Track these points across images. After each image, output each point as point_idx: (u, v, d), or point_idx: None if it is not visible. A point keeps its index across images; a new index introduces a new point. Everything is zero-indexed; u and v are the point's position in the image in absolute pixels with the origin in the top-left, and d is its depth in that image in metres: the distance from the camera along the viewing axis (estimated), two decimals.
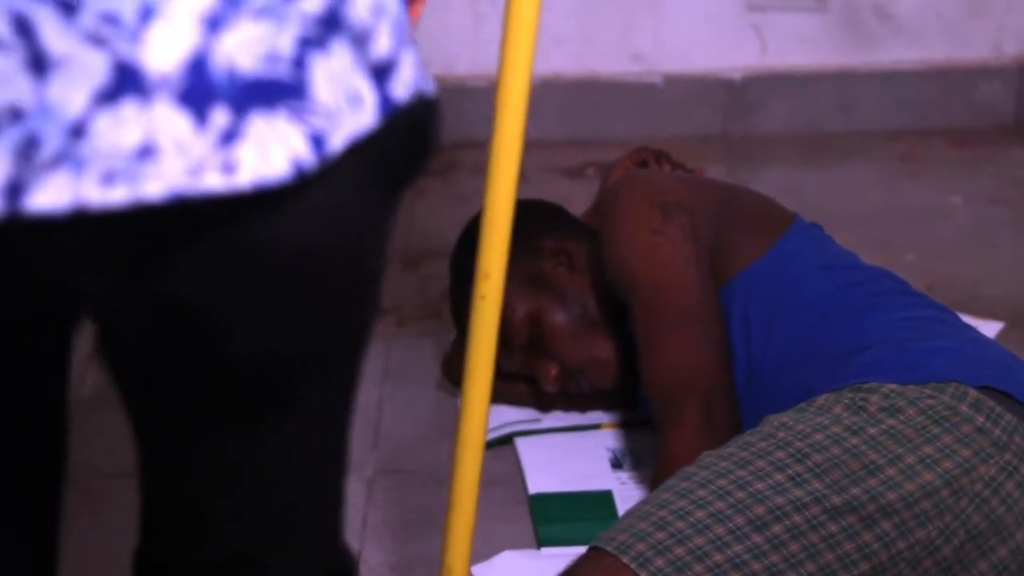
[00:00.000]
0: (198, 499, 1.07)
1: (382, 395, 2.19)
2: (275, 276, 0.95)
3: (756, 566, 1.55)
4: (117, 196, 0.87)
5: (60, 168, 0.87)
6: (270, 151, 0.89)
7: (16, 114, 0.86)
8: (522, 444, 2.09)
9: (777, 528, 1.56)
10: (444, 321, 2.31)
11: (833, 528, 1.57)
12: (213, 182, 0.89)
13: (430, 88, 0.99)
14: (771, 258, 1.89)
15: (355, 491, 1.87)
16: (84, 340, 1.13)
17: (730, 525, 1.56)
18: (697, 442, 1.73)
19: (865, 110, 2.98)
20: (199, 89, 0.87)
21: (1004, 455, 1.62)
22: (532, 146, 2.86)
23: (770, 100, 2.95)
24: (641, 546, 1.55)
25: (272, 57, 0.89)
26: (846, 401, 1.66)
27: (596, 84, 2.89)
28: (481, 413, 1.47)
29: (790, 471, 1.60)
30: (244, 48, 0.88)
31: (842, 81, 2.96)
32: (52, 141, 0.86)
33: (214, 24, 0.87)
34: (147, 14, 0.86)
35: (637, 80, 2.90)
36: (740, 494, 1.58)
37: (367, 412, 2.12)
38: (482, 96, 2.87)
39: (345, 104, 0.92)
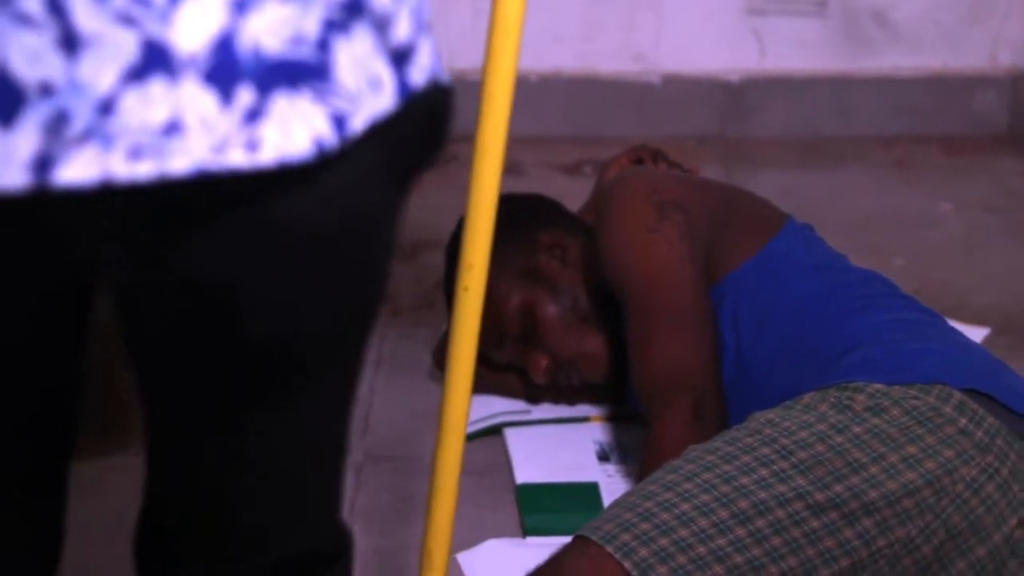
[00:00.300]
0: (206, 475, 1.09)
1: (374, 383, 2.21)
2: (292, 255, 0.97)
3: (738, 559, 1.57)
4: (143, 171, 0.90)
5: (89, 143, 0.89)
6: (293, 130, 0.92)
7: (47, 90, 0.88)
8: (511, 435, 2.11)
9: (760, 522, 1.59)
10: (438, 311, 2.33)
11: (815, 524, 1.59)
12: (237, 159, 0.91)
13: (445, 76, 1.01)
14: (763, 258, 1.91)
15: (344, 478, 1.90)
16: None
17: (714, 518, 1.58)
18: (685, 437, 1.75)
19: (862, 115, 3.00)
20: (225, 68, 0.90)
21: (986, 457, 1.64)
22: (531, 142, 2.91)
23: (768, 103, 2.97)
24: (626, 536, 1.57)
25: (297, 39, 0.91)
26: (832, 400, 1.69)
27: (596, 82, 2.91)
28: (463, 403, 1.49)
29: (775, 467, 1.62)
30: (270, 30, 0.90)
31: (839, 86, 2.98)
32: (81, 117, 0.88)
33: (241, 6, 0.90)
34: None
35: (636, 79, 2.92)
36: (725, 488, 1.60)
37: (358, 399, 2.14)
38: (479, 90, 2.89)
39: (366, 87, 0.94)
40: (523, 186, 2.45)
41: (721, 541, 1.57)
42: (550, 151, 2.88)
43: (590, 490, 1.99)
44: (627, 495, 1.64)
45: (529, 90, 2.91)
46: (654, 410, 1.82)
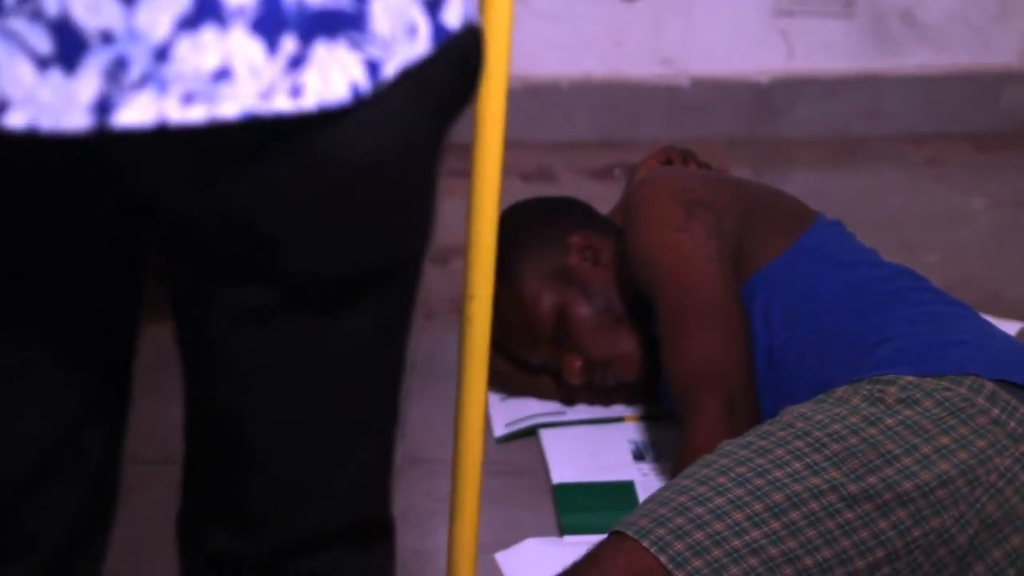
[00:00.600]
0: (238, 409, 1.11)
1: (409, 387, 2.23)
2: (330, 188, 1.02)
3: (773, 551, 1.58)
4: (195, 115, 0.95)
5: (145, 88, 0.94)
6: (331, 76, 0.97)
7: (107, 38, 0.93)
8: (546, 435, 2.13)
9: (794, 514, 1.60)
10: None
11: (849, 515, 1.60)
12: (282, 104, 0.97)
13: (476, 17, 1.06)
14: (793, 255, 1.93)
15: None
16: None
17: (748, 511, 1.60)
18: (718, 434, 1.77)
19: (891, 115, 3.01)
20: (271, 18, 0.95)
21: (1019, 446, 1.65)
22: (561, 147, 2.93)
23: (797, 104, 2.98)
24: (661, 531, 1.59)
25: None
26: (864, 392, 1.70)
27: (625, 87, 2.93)
28: (478, 425, 1.51)
29: (808, 459, 1.63)
30: None
31: (868, 86, 2.99)
32: (139, 63, 0.94)
33: None
34: None
35: (665, 83, 2.94)
36: (758, 481, 1.62)
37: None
38: (512, 97, 2.90)
39: (401, 34, 1.00)
40: (554, 191, 2.47)
41: (755, 534, 1.59)
42: (580, 156, 2.89)
43: (626, 489, 2.01)
44: (661, 490, 1.66)
45: (559, 96, 2.93)
46: (687, 407, 1.83)
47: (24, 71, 0.94)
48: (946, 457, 1.64)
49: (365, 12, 0.98)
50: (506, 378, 2.19)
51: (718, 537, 1.58)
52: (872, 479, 1.62)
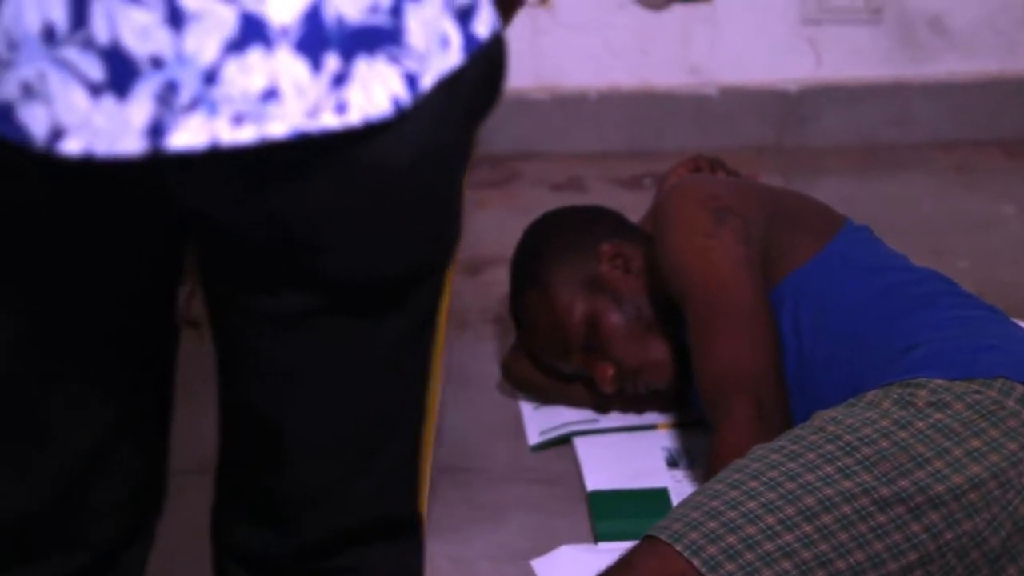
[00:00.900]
0: (273, 411, 1.14)
1: (444, 396, 2.25)
2: (372, 195, 1.05)
3: (806, 554, 1.60)
4: (245, 136, 0.99)
5: (196, 111, 0.97)
6: (373, 91, 1.00)
7: (157, 63, 0.96)
8: (580, 443, 2.14)
9: (827, 518, 1.61)
10: (504, 325, 2.37)
11: (882, 519, 1.62)
12: (329, 121, 1.00)
13: (499, 24, 1.09)
14: (821, 260, 1.94)
15: None
16: None
17: (780, 515, 1.61)
18: (749, 438, 1.78)
19: (920, 122, 3.01)
20: (314, 38, 0.98)
21: None
22: (592, 157, 2.95)
23: (825, 112, 2.99)
24: (694, 535, 1.60)
25: (373, 8, 1.00)
26: (895, 396, 1.71)
27: (653, 96, 2.95)
28: None
29: (839, 463, 1.64)
30: (350, 1, 0.99)
31: (897, 93, 3.00)
32: (189, 86, 0.97)
33: None
34: None
35: (693, 92, 2.95)
36: (790, 485, 1.63)
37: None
38: (542, 108, 2.93)
39: (435, 46, 1.03)
40: (585, 201, 2.49)
41: (788, 537, 1.60)
42: (610, 166, 2.91)
43: (660, 495, 2.02)
44: (694, 495, 1.67)
45: (588, 107, 2.95)
46: (717, 413, 1.84)
47: (78, 98, 0.97)
48: (977, 460, 1.65)
49: (401, 27, 1.01)
50: (539, 386, 2.21)
51: (750, 541, 1.59)
52: (904, 482, 1.63)
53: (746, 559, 1.59)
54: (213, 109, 0.97)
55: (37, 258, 1.09)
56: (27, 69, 0.97)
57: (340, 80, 1.00)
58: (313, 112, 0.99)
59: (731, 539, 1.60)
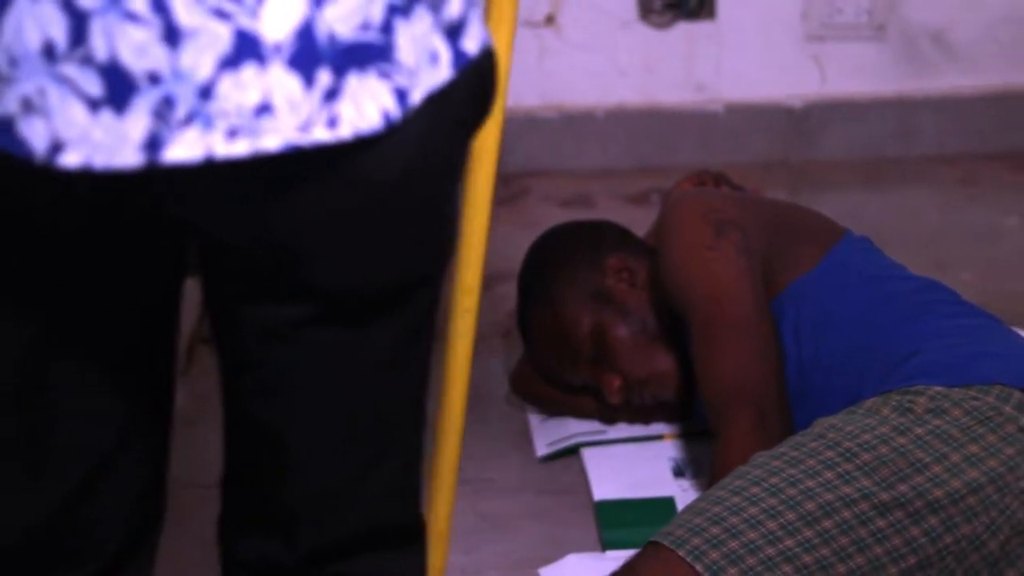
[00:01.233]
0: (274, 420, 1.17)
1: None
2: (362, 209, 1.07)
3: (807, 559, 1.62)
4: (239, 149, 1.01)
5: (191, 125, 1.00)
6: (364, 106, 1.03)
7: (154, 79, 0.99)
8: (588, 454, 2.17)
9: (827, 523, 1.64)
10: (513, 340, 2.40)
11: (881, 523, 1.64)
12: (320, 135, 1.02)
13: (489, 40, 1.12)
14: (821, 270, 1.97)
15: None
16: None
17: (782, 520, 1.64)
18: (751, 447, 1.81)
19: (924, 136, 3.05)
20: (306, 54, 1.01)
21: None
22: (598, 174, 2.98)
23: (830, 127, 3.02)
24: (697, 540, 1.63)
25: (365, 25, 1.02)
26: (894, 403, 1.74)
27: (659, 114, 2.98)
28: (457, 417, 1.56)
29: (839, 469, 1.67)
30: (342, 18, 1.01)
31: (901, 108, 3.03)
32: (185, 102, 0.99)
33: (318, 0, 1.01)
34: None
35: (699, 109, 2.99)
36: (791, 491, 1.66)
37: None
38: (550, 127, 2.97)
39: (425, 62, 1.05)
40: (592, 216, 2.52)
41: (789, 542, 1.63)
42: (618, 182, 2.94)
43: (666, 504, 2.05)
44: (696, 501, 1.70)
45: (595, 124, 2.98)
46: (720, 422, 1.87)
47: (77, 113, 0.99)
48: (975, 465, 1.67)
49: (392, 44, 1.03)
50: (547, 399, 2.24)
51: (752, 546, 1.62)
52: (903, 487, 1.65)
53: (748, 563, 1.61)
54: (208, 123, 1.00)
55: (41, 268, 1.12)
56: (27, 85, 0.99)
57: (332, 95, 1.02)
58: (305, 126, 1.01)
59: (733, 544, 1.62)
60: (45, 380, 1.17)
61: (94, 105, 0.99)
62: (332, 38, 1.01)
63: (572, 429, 2.22)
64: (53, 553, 1.23)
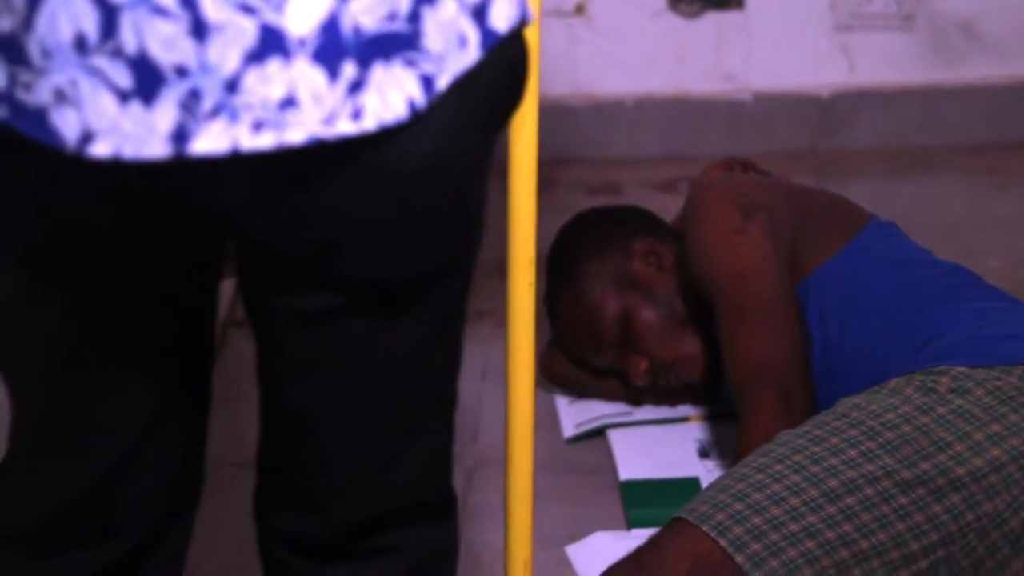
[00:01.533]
0: (309, 404, 1.19)
1: (481, 392, 2.31)
2: (391, 198, 1.08)
3: (830, 535, 1.64)
4: (264, 142, 1.02)
5: (218, 118, 1.01)
6: (389, 96, 1.04)
7: (181, 72, 1.01)
8: (614, 435, 2.20)
9: (850, 500, 1.66)
10: (541, 324, 2.42)
11: (904, 500, 1.66)
12: (345, 128, 1.03)
13: (529, 15, 1.11)
14: (847, 254, 1.99)
15: (456, 479, 2.00)
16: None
17: (805, 497, 1.66)
18: (776, 428, 1.82)
19: (952, 125, 3.06)
20: (331, 47, 1.02)
21: None
22: (628, 163, 3.00)
23: (858, 116, 3.03)
24: (721, 516, 1.65)
25: (391, 16, 1.03)
26: (917, 383, 1.75)
27: (688, 103, 3.00)
28: (527, 401, 1.56)
29: (862, 447, 1.69)
30: (367, 11, 1.02)
31: (929, 97, 3.04)
32: (211, 95, 1.01)
33: None
34: None
35: (728, 98, 3.00)
36: (815, 468, 1.68)
37: (468, 408, 2.24)
38: (579, 116, 2.99)
39: (453, 46, 1.06)
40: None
41: (812, 518, 1.65)
42: (646, 171, 2.96)
43: (691, 485, 2.07)
44: (721, 479, 1.72)
45: (625, 113, 3.00)
46: (745, 403, 1.89)
47: (108, 104, 1.01)
48: (997, 444, 1.69)
49: (419, 31, 1.04)
50: (574, 381, 2.27)
51: (776, 522, 1.64)
52: (925, 465, 1.67)
53: (771, 539, 1.63)
54: (234, 116, 1.01)
55: (77, 256, 1.14)
56: (60, 76, 1.01)
57: (356, 87, 1.03)
58: (330, 119, 1.02)
59: (756, 520, 1.64)
60: (84, 363, 1.19)
61: (124, 97, 1.01)
62: (357, 30, 1.02)
63: (599, 411, 2.24)
64: (89, 528, 1.26)
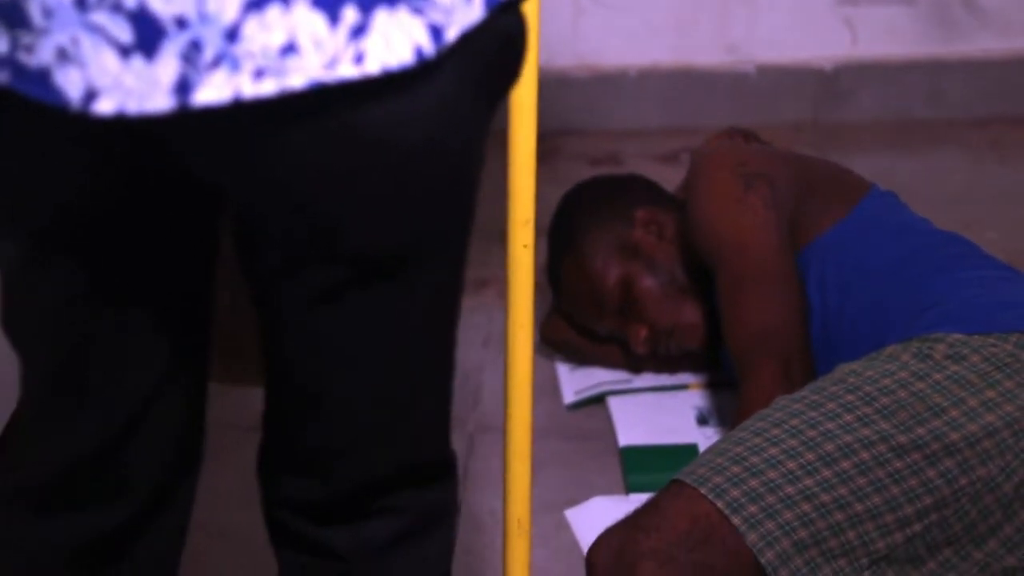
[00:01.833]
0: (315, 375, 1.20)
1: (483, 360, 2.33)
2: (389, 166, 1.08)
3: (825, 497, 1.66)
4: (266, 89, 1.02)
5: (219, 67, 1.02)
6: (394, 41, 1.03)
7: (181, 23, 1.01)
8: (614, 402, 2.22)
9: (846, 464, 1.67)
10: (543, 292, 2.44)
11: (898, 464, 1.68)
12: (347, 72, 1.03)
13: None
14: (848, 223, 2.01)
15: (457, 445, 2.02)
16: None
17: (801, 460, 1.67)
18: (775, 395, 1.83)
19: (954, 99, 3.07)
20: None
21: None
22: (630, 134, 3.01)
23: (861, 89, 3.05)
24: (718, 479, 1.67)
25: None
26: (914, 350, 1.77)
27: (691, 74, 3.01)
28: (526, 366, 1.57)
29: (858, 412, 1.71)
30: None
31: (931, 70, 3.05)
32: (212, 45, 1.01)
33: None
34: None
35: (731, 70, 3.02)
36: (811, 432, 1.69)
37: (470, 375, 2.26)
38: (582, 86, 3.01)
39: (460, 1, 1.05)
40: None
41: (808, 481, 1.66)
42: (649, 142, 2.98)
43: (690, 451, 2.09)
44: (719, 442, 1.74)
45: (627, 84, 3.01)
46: (744, 370, 1.91)
47: (110, 60, 1.01)
48: (992, 409, 1.71)
49: None
50: (575, 348, 2.28)
51: (772, 484, 1.66)
52: (921, 430, 1.69)
53: (767, 502, 1.65)
54: (235, 65, 1.01)
55: (80, 217, 1.14)
56: (61, 35, 1.01)
57: (359, 31, 1.02)
58: (331, 64, 1.02)
59: (753, 483, 1.66)
60: (89, 325, 1.20)
61: (125, 52, 1.01)
62: None
63: (599, 378, 2.26)
64: (95, 487, 1.27)
